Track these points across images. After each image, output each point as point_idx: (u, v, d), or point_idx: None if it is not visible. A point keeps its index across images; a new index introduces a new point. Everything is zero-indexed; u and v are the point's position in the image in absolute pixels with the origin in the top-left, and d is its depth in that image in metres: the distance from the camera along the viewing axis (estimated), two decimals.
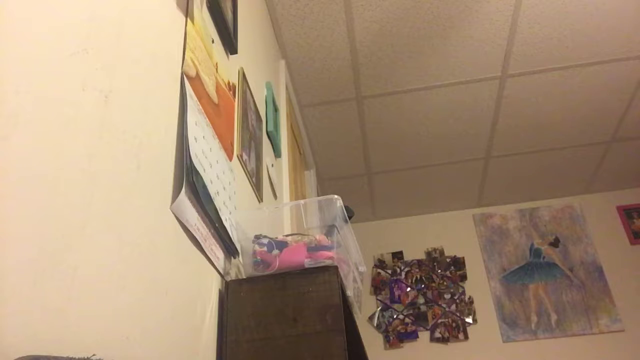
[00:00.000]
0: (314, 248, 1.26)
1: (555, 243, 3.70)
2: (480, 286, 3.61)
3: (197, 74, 1.21)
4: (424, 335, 3.49)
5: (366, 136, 3.17)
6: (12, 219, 0.58)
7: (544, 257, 3.66)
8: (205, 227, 1.14)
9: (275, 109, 2.24)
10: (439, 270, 3.70)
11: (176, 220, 1.01)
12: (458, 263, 3.70)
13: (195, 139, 1.11)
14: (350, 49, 2.61)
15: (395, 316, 3.57)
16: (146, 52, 0.98)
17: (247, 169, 1.61)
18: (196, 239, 1.09)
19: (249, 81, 1.78)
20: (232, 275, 1.32)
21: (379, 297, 3.66)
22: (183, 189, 1.01)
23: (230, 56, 1.60)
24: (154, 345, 0.88)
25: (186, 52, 1.16)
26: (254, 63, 1.97)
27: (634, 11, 2.52)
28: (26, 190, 0.61)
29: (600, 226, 3.72)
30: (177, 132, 1.06)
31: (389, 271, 3.75)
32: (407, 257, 3.79)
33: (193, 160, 1.06)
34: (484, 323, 3.48)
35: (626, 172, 3.64)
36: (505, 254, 3.70)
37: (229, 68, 1.56)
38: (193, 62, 1.19)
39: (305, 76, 2.75)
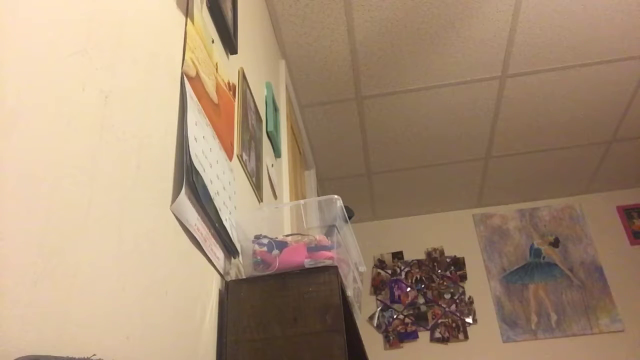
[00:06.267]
0: (314, 248, 1.26)
1: (555, 243, 3.70)
2: (480, 286, 3.61)
3: (197, 74, 1.21)
4: (424, 335, 3.49)
5: (366, 136, 3.17)
6: (12, 218, 0.58)
7: (544, 257, 3.66)
8: (205, 227, 1.14)
9: (275, 109, 2.24)
10: (439, 270, 3.70)
11: (176, 220, 1.01)
12: (458, 263, 3.70)
13: (195, 139, 1.11)
14: (350, 49, 2.61)
15: (395, 316, 3.57)
16: (146, 52, 0.98)
17: (247, 169, 1.61)
18: (196, 239, 1.09)
19: (249, 81, 1.78)
20: (232, 275, 1.32)
21: (379, 297, 3.66)
22: (183, 189, 1.01)
23: (230, 56, 1.60)
24: (154, 346, 0.88)
25: (186, 52, 1.16)
26: (254, 63, 1.97)
27: (634, 11, 2.52)
28: (26, 190, 0.61)
29: (600, 226, 3.71)
30: (177, 132, 1.06)
31: (389, 271, 3.75)
32: (407, 257, 3.78)
33: (193, 160, 1.06)
34: (484, 323, 3.48)
35: (626, 172, 3.64)
36: (505, 254, 3.70)
37: (229, 68, 1.56)
38: (193, 62, 1.19)
39: (305, 76, 2.75)
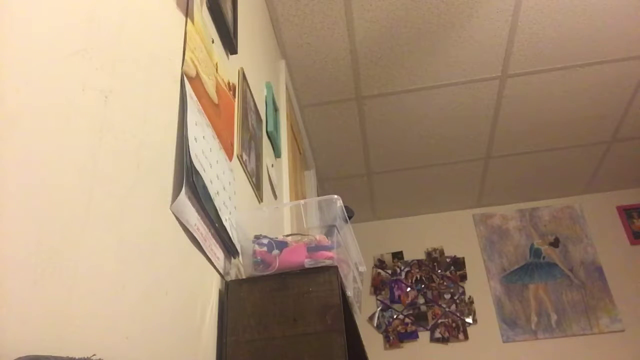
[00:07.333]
0: (314, 248, 1.26)
1: (555, 243, 3.70)
2: (480, 286, 3.61)
3: (197, 74, 1.21)
4: (424, 335, 3.49)
5: (366, 136, 3.17)
6: (12, 219, 0.58)
7: (544, 257, 3.66)
8: (205, 227, 1.14)
9: (275, 109, 2.24)
10: (439, 270, 3.70)
11: (176, 220, 1.01)
12: (458, 263, 3.70)
13: (195, 139, 1.11)
14: (350, 49, 2.61)
15: (395, 316, 3.57)
16: (146, 52, 0.98)
17: (247, 169, 1.61)
18: (196, 239, 1.09)
19: (249, 81, 1.78)
20: (232, 275, 1.32)
21: (379, 297, 3.66)
22: (183, 189, 1.01)
23: (230, 56, 1.60)
24: (154, 346, 0.88)
25: (186, 52, 1.16)
26: (254, 63, 1.97)
27: (634, 11, 2.52)
28: (26, 190, 0.61)
29: (600, 226, 3.71)
30: (177, 132, 1.06)
31: (389, 271, 3.75)
32: (407, 257, 3.78)
33: (193, 161, 1.06)
34: (484, 323, 3.48)
35: (626, 172, 3.64)
36: (505, 254, 3.70)
37: (229, 68, 1.56)
38: (193, 62, 1.19)
39: (305, 76, 2.75)
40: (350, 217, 1.56)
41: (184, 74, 1.12)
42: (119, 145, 0.83)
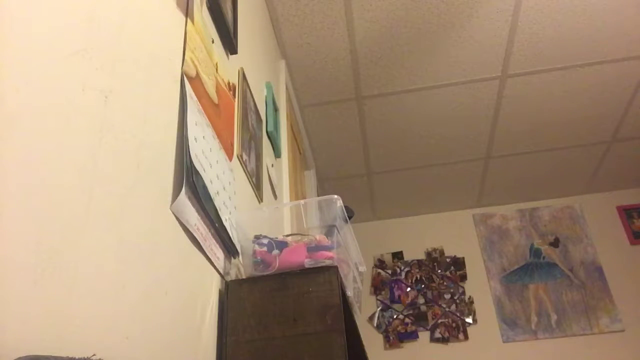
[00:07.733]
0: (314, 248, 1.26)
1: (555, 243, 3.70)
2: (480, 286, 3.61)
3: (197, 74, 1.21)
4: (424, 335, 3.49)
5: (366, 136, 3.17)
6: (12, 219, 0.58)
7: (544, 257, 3.66)
8: (205, 227, 1.14)
9: (275, 109, 2.24)
10: (439, 270, 3.70)
11: (176, 220, 1.01)
12: (458, 263, 3.70)
13: (195, 139, 1.11)
14: (350, 49, 2.61)
15: (395, 316, 3.57)
16: (146, 52, 0.98)
17: (247, 169, 1.61)
18: (196, 239, 1.09)
19: (249, 81, 1.78)
20: (232, 275, 1.32)
21: (379, 297, 3.66)
22: (183, 189, 1.01)
23: (230, 56, 1.60)
24: (154, 346, 0.88)
25: (186, 52, 1.16)
26: (254, 63, 1.97)
27: (634, 11, 2.52)
28: (26, 190, 0.61)
29: (600, 226, 3.71)
30: (177, 132, 1.06)
31: (389, 271, 3.75)
32: (407, 257, 3.78)
33: (193, 161, 1.06)
34: (484, 323, 3.48)
35: (626, 172, 3.64)
36: (505, 254, 3.70)
37: (229, 68, 1.56)
38: (193, 62, 1.19)
39: (305, 76, 2.75)
40: (350, 217, 1.56)
41: (184, 74, 1.12)
42: (119, 145, 0.83)
